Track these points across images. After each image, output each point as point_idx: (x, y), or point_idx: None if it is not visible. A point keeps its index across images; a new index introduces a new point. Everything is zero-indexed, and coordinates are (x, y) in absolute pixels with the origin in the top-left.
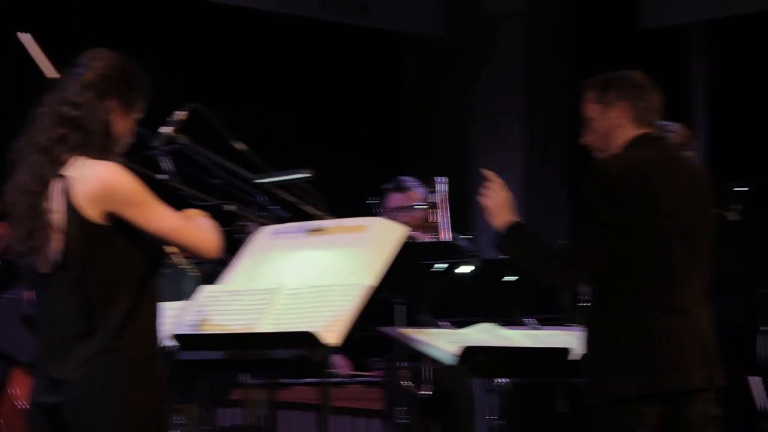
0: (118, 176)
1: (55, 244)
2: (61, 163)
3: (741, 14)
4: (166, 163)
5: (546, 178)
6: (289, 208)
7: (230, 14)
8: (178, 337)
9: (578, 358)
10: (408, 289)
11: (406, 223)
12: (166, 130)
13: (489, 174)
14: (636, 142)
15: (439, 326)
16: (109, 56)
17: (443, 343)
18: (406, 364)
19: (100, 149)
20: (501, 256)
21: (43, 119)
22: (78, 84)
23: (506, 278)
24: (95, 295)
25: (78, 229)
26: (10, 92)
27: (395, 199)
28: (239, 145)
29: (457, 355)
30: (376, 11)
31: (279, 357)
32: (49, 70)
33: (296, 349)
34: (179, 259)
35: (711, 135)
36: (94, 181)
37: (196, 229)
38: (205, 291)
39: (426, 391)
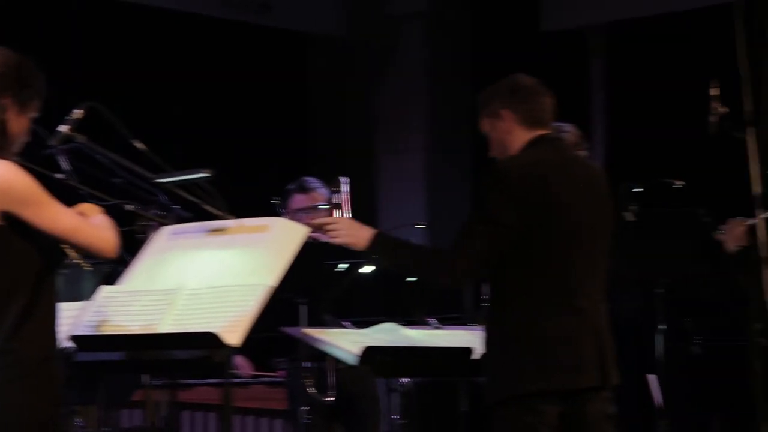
0: (13, 175)
1: None
2: None
3: (638, 17)
4: (64, 163)
5: (448, 180)
6: (191, 208)
7: (130, 11)
8: (76, 338)
9: (480, 357)
10: (311, 289)
11: (309, 223)
12: (63, 128)
13: (315, 222)
14: (532, 144)
15: (342, 326)
16: (3, 54)
17: (345, 343)
18: (309, 365)
19: None
20: None
21: None
22: None
23: (408, 278)
24: None
25: None
26: None
27: (299, 200)
28: (138, 144)
29: (358, 356)
30: (279, 10)
31: (180, 358)
32: None
33: (197, 350)
34: (77, 258)
35: (608, 136)
36: None
37: (94, 228)
38: (105, 291)
39: (329, 391)
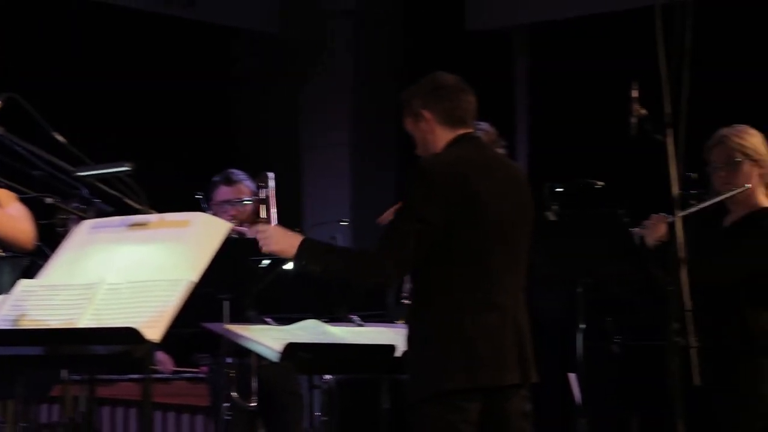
0: None
1: None
2: None
3: (561, 18)
4: None
5: (373, 176)
6: (112, 202)
7: (52, 2)
8: None
9: (402, 354)
10: (234, 284)
11: (234, 216)
12: None
13: (252, 231)
14: (454, 142)
15: (264, 322)
16: None
17: (268, 339)
18: (231, 361)
19: None
20: None
21: None
22: None
23: None
24: None
25: None
26: None
27: (223, 192)
28: (59, 137)
29: (280, 352)
30: (205, 5)
31: (99, 353)
32: None
33: (117, 345)
34: None
35: (531, 135)
36: None
37: (9, 218)
38: (23, 285)
39: (252, 390)
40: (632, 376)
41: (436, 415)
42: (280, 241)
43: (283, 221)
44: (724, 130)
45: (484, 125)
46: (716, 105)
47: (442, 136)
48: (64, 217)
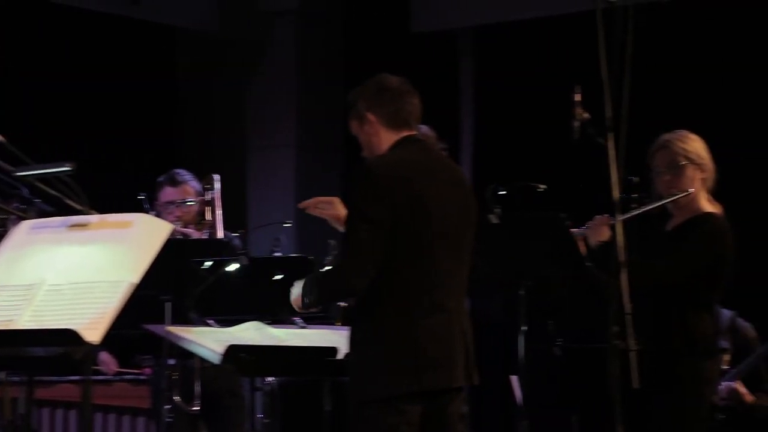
0: None
1: None
2: None
3: (506, 21)
4: None
5: (320, 178)
6: (53, 202)
7: None
8: None
9: (345, 356)
10: (176, 286)
11: (179, 217)
12: None
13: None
14: (398, 145)
15: (206, 324)
16: None
17: (209, 341)
18: (174, 362)
19: None
20: (271, 255)
21: None
22: None
23: (274, 276)
24: None
25: None
26: None
27: (168, 193)
28: None
29: (222, 354)
30: (148, 3)
31: (39, 354)
32: None
33: (57, 347)
34: None
35: (476, 138)
36: None
37: None
38: None
39: (194, 393)
40: (573, 378)
41: (377, 417)
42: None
43: (228, 222)
44: (667, 135)
45: (423, 128)
46: (657, 109)
47: (387, 139)
48: (4, 217)
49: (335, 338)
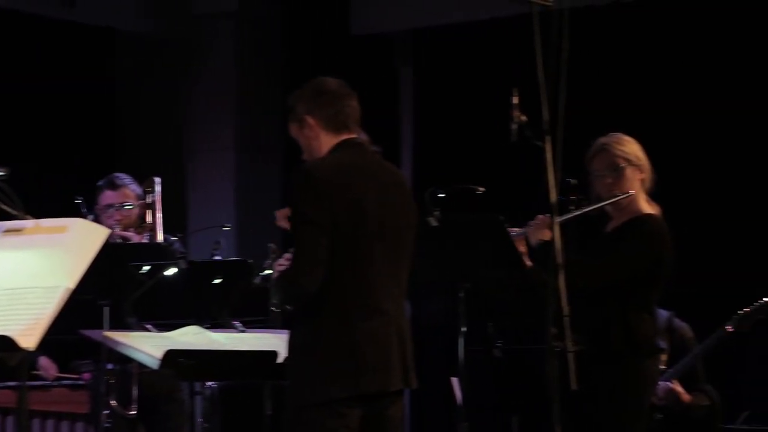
0: None
1: None
2: None
3: (445, 24)
4: None
5: (259, 180)
6: None
7: None
8: None
9: (285, 360)
10: (114, 290)
11: (119, 221)
12: None
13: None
14: (337, 148)
15: (145, 329)
16: None
17: (148, 346)
18: (112, 367)
19: None
20: (212, 258)
21: None
22: None
23: (213, 280)
24: None
25: None
26: None
27: (108, 197)
28: None
29: (160, 359)
30: (84, 5)
31: None
32: None
33: None
34: None
35: (416, 141)
36: None
37: None
38: None
39: (132, 399)
40: (513, 379)
41: (316, 421)
42: None
43: (167, 226)
44: (603, 139)
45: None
46: (592, 112)
47: (326, 142)
48: None
49: (275, 342)
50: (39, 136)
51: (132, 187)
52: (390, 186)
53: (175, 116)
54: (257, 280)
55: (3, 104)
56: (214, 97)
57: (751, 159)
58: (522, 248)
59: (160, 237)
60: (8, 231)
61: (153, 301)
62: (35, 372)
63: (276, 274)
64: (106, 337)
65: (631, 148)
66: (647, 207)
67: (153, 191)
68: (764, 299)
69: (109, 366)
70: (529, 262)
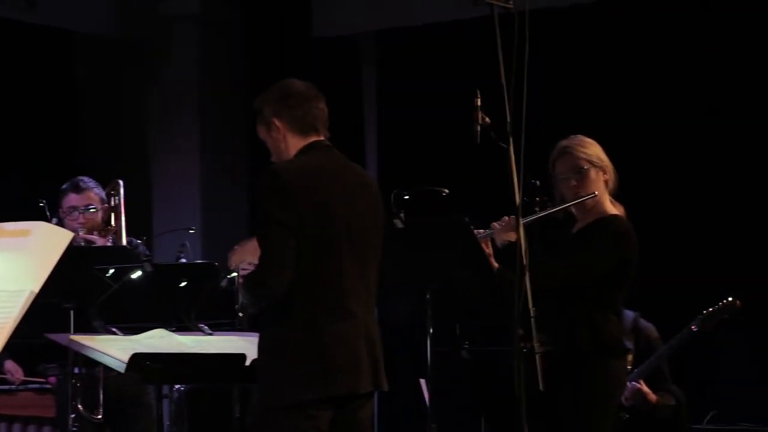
0: None
1: None
2: None
3: (407, 26)
4: None
5: (224, 182)
6: None
7: None
8: None
9: (254, 363)
10: (80, 294)
11: (83, 224)
12: None
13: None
14: (304, 150)
15: (111, 332)
16: None
17: (114, 350)
18: (78, 371)
19: None
20: (178, 261)
21: None
22: None
23: (179, 283)
24: None
25: None
26: None
27: (72, 200)
28: None
29: (126, 363)
30: (45, 7)
31: None
32: None
33: None
34: None
35: (380, 143)
36: None
37: None
38: None
39: (98, 403)
40: (481, 380)
41: (286, 423)
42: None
43: (132, 228)
44: (565, 142)
45: None
46: (555, 113)
47: (294, 144)
48: None
49: (242, 344)
50: (1, 138)
51: (96, 191)
52: (357, 188)
53: (138, 119)
54: (223, 283)
55: None
56: (178, 99)
57: (714, 158)
58: (488, 249)
59: (124, 240)
60: None
61: (119, 305)
62: (1, 376)
63: (241, 279)
64: (72, 341)
65: (593, 150)
66: (612, 208)
67: (117, 194)
68: (728, 299)
69: (76, 370)
70: (495, 264)
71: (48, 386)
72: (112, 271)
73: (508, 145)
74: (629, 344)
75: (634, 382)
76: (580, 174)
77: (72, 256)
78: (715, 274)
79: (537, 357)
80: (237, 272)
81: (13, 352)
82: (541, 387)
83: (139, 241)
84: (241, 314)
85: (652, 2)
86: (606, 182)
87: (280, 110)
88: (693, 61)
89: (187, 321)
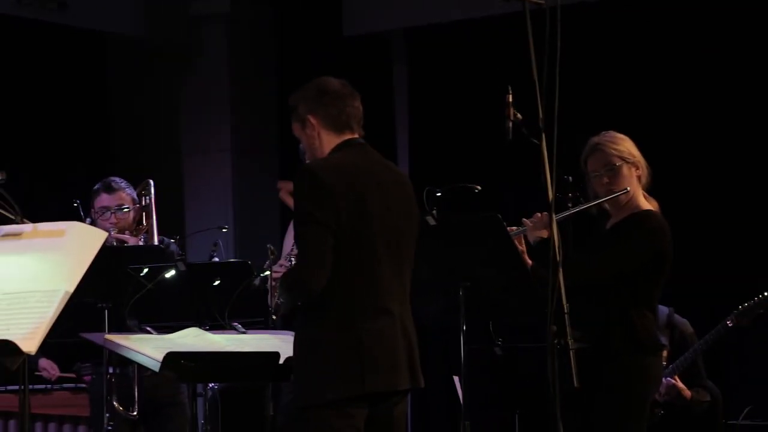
0: None
1: None
2: None
3: (438, 22)
4: None
5: (256, 181)
6: None
7: None
8: None
9: (288, 361)
10: (114, 293)
11: (115, 224)
12: None
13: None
14: (339, 148)
15: (146, 331)
16: None
17: (148, 349)
18: (113, 370)
19: None
20: (210, 260)
21: None
22: None
23: (213, 282)
24: None
25: None
26: None
27: (104, 200)
28: None
29: (160, 362)
30: (76, 9)
31: None
32: None
33: None
34: None
35: (412, 140)
36: None
37: None
38: None
39: (134, 400)
40: (514, 377)
41: (323, 421)
42: None
43: (164, 228)
44: (596, 139)
45: None
46: (588, 108)
47: (328, 142)
48: None
49: (276, 343)
50: (34, 140)
51: (128, 191)
52: (392, 185)
53: (170, 118)
54: (257, 281)
55: None
56: (209, 98)
57: (750, 153)
58: (521, 247)
59: (155, 239)
60: (7, 235)
61: (153, 304)
62: (37, 373)
63: (274, 282)
64: (108, 340)
65: (625, 145)
66: (646, 203)
67: (148, 194)
68: (764, 294)
69: (110, 369)
70: (528, 261)
71: (83, 385)
72: (146, 270)
73: (541, 141)
74: (664, 340)
75: (668, 378)
76: (612, 171)
77: (106, 256)
78: (751, 269)
79: (571, 353)
80: (270, 271)
81: (49, 352)
82: (575, 384)
83: (172, 241)
84: (275, 317)
85: None
86: (639, 178)
87: (315, 108)
88: (730, 54)
89: (221, 319)
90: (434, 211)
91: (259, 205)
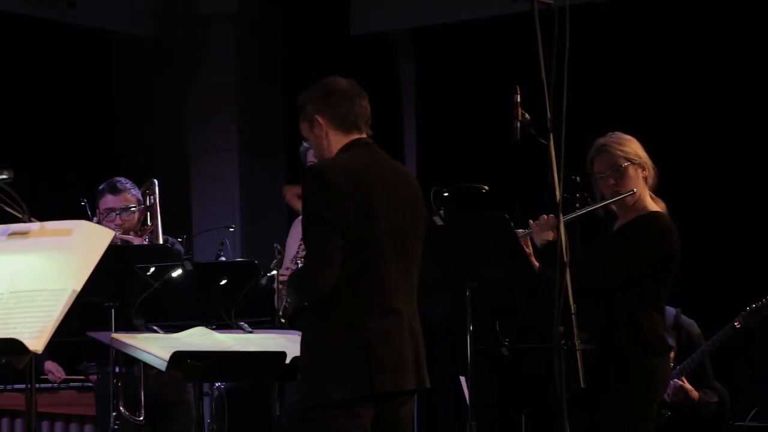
0: None
1: None
2: None
3: (445, 22)
4: None
5: (263, 180)
6: None
7: None
8: None
9: (294, 361)
10: (121, 292)
11: (120, 225)
12: None
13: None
14: (347, 147)
15: (152, 330)
16: None
17: (155, 348)
18: (120, 369)
19: None
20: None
21: None
22: None
23: (219, 281)
24: None
25: None
26: None
27: (109, 201)
28: None
29: (167, 361)
30: (84, 8)
31: None
32: None
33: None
34: None
35: (419, 140)
36: None
37: None
38: None
39: (140, 402)
40: (521, 378)
41: (329, 420)
42: None
43: (171, 228)
44: (602, 140)
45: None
46: (595, 109)
47: (336, 141)
48: None
49: (282, 342)
50: (41, 139)
51: (133, 192)
52: (399, 185)
53: (176, 118)
54: (263, 281)
55: (4, 107)
56: (216, 97)
57: (757, 154)
58: (528, 249)
59: (161, 239)
60: (14, 234)
61: (159, 303)
62: (42, 376)
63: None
64: (114, 339)
65: (631, 146)
66: (653, 204)
67: (152, 193)
68: None
69: (117, 369)
70: (535, 262)
71: (89, 384)
72: (152, 269)
73: (548, 141)
74: (671, 341)
75: (676, 379)
76: (619, 172)
77: (113, 255)
78: (758, 269)
79: (578, 354)
80: (277, 271)
81: (55, 351)
82: (582, 384)
83: (177, 240)
84: (283, 320)
85: None
86: (645, 179)
87: (323, 107)
88: (739, 55)
89: (228, 319)
90: (441, 211)
91: (265, 204)
